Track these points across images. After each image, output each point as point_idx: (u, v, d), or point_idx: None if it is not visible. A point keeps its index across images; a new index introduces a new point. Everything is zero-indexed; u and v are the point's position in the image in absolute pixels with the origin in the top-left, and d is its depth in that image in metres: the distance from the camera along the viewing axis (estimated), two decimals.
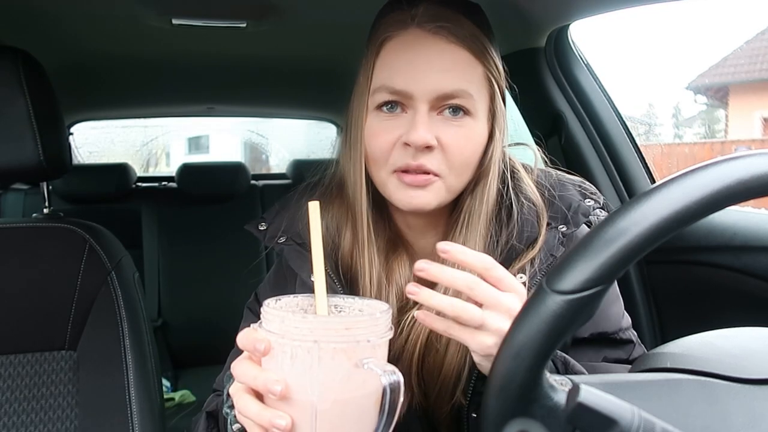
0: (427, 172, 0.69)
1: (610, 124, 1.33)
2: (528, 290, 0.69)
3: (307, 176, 0.83)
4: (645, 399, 0.45)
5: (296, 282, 0.77)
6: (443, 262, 0.73)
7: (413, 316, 0.72)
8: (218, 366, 0.79)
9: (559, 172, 0.80)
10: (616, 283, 0.65)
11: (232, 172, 2.56)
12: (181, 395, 2.18)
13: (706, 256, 1.17)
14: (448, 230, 0.76)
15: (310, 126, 3.30)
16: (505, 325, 0.56)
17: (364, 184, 0.73)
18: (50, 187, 1.20)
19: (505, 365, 0.40)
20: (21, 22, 1.32)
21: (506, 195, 0.75)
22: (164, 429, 1.07)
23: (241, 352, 0.54)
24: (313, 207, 0.55)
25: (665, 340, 0.66)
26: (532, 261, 0.71)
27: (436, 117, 0.69)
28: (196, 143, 7.12)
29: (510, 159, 0.79)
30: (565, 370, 0.64)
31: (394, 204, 0.73)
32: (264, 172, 3.88)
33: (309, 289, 0.71)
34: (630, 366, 0.73)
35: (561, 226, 0.73)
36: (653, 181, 1.36)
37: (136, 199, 2.52)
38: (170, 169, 4.48)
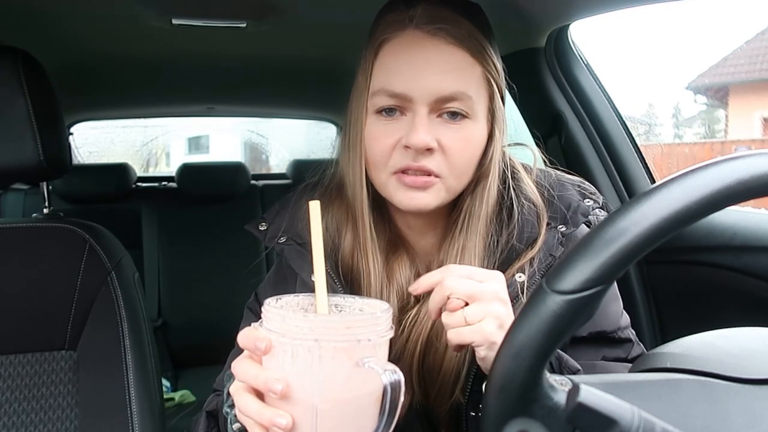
0: (427, 173, 0.69)
1: (610, 124, 1.33)
2: (527, 290, 0.70)
3: (307, 176, 0.83)
4: (645, 399, 0.45)
5: (296, 282, 0.77)
6: (443, 258, 0.75)
7: (413, 316, 0.72)
8: (218, 366, 0.79)
9: (558, 172, 0.80)
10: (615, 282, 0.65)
11: (232, 172, 2.57)
12: (181, 395, 2.18)
13: (706, 256, 1.17)
14: (447, 230, 0.76)
15: (310, 126, 3.30)
16: (494, 307, 0.59)
17: (364, 186, 0.73)
18: (50, 187, 1.20)
19: (505, 365, 0.40)
20: (21, 22, 1.32)
21: (507, 196, 0.75)
22: (164, 429, 1.07)
23: (241, 351, 0.54)
24: (314, 206, 0.55)
25: (665, 340, 0.66)
26: (531, 261, 0.71)
27: (436, 119, 0.69)
28: (196, 143, 7.12)
29: (510, 159, 0.79)
30: (559, 366, 0.65)
31: (394, 204, 0.73)
32: (264, 172, 3.88)
33: (309, 288, 0.71)
34: (629, 364, 0.73)
35: (560, 226, 0.73)
36: (653, 181, 1.36)
37: (136, 199, 2.52)
38: (170, 169, 4.48)
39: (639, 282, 1.31)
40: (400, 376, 0.48)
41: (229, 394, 0.64)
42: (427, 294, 0.64)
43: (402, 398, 0.48)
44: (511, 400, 0.40)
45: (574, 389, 0.40)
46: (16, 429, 0.97)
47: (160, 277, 2.43)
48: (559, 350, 0.66)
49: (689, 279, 1.22)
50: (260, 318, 0.52)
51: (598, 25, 1.25)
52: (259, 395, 0.51)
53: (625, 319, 0.79)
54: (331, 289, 0.67)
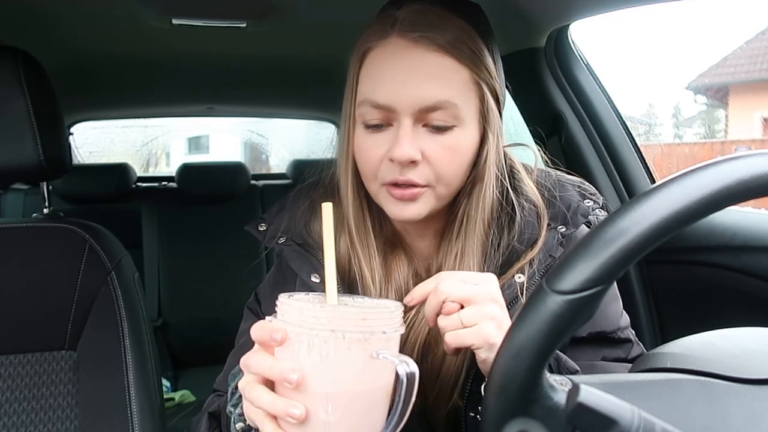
0: (415, 185, 0.68)
1: (610, 124, 1.33)
2: (526, 291, 0.70)
3: (307, 176, 0.83)
4: (645, 399, 0.45)
5: (296, 282, 0.77)
6: (441, 260, 0.75)
7: (412, 318, 0.72)
8: (218, 366, 0.79)
9: (558, 173, 0.80)
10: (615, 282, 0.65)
11: (232, 172, 2.57)
12: (181, 395, 2.18)
13: (706, 256, 1.17)
14: (445, 232, 0.76)
15: (310, 126, 3.30)
16: (490, 308, 0.59)
17: (356, 195, 0.75)
18: (50, 187, 1.20)
19: (505, 365, 0.40)
20: (21, 22, 1.32)
21: (506, 197, 0.74)
22: (164, 429, 1.07)
23: (242, 352, 0.54)
24: (326, 208, 0.56)
25: (665, 340, 0.66)
26: (531, 262, 0.71)
27: (421, 129, 0.68)
28: (196, 143, 7.12)
29: (510, 159, 0.79)
30: (558, 367, 0.65)
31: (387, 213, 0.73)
32: (264, 172, 3.88)
33: (308, 289, 0.72)
34: (629, 365, 0.73)
35: (560, 227, 0.73)
36: (653, 181, 1.36)
37: (136, 199, 2.52)
38: (170, 169, 4.49)
39: (639, 282, 1.31)
40: (415, 368, 0.49)
41: (232, 393, 0.64)
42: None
43: (416, 389, 0.49)
44: (511, 400, 0.40)
45: (574, 389, 0.40)
46: (16, 429, 0.97)
47: (160, 277, 2.43)
48: (557, 351, 0.66)
49: (689, 279, 1.22)
50: (260, 318, 0.52)
51: (598, 25, 1.26)
52: (270, 388, 0.51)
53: (625, 319, 0.79)
54: None
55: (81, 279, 1.04)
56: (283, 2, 1.24)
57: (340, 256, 0.75)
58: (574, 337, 0.74)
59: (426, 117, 0.67)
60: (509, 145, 0.80)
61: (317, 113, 2.72)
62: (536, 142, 0.85)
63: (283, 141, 4.29)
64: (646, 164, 1.35)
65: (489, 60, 0.71)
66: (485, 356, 0.59)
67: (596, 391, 0.40)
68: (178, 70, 1.87)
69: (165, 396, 2.12)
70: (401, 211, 0.70)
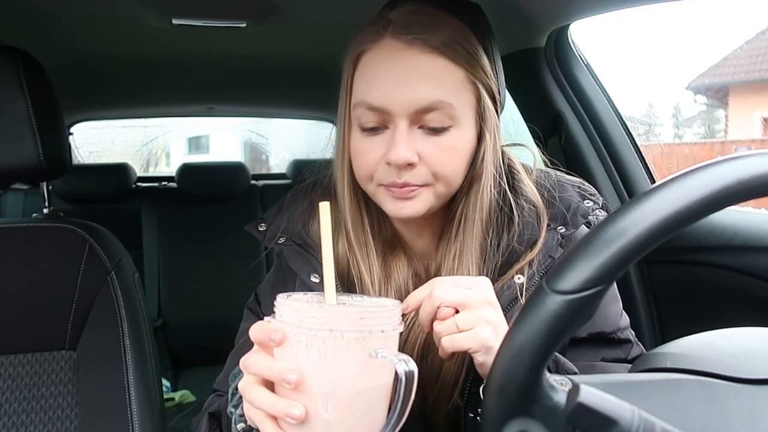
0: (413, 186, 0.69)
1: (610, 124, 1.33)
2: (526, 291, 0.69)
3: (306, 176, 0.83)
4: (645, 399, 0.45)
5: (296, 282, 0.77)
6: (440, 261, 0.75)
7: (411, 319, 0.72)
8: (218, 366, 0.79)
9: (558, 173, 0.80)
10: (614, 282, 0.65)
11: (232, 172, 2.57)
12: (181, 395, 2.18)
13: (706, 256, 1.17)
14: (443, 232, 0.76)
15: (310, 126, 3.30)
16: (485, 312, 0.59)
17: (353, 197, 0.75)
18: (50, 187, 1.20)
19: (505, 365, 0.40)
20: (21, 22, 1.32)
21: (504, 199, 0.74)
22: (164, 429, 1.07)
23: (242, 352, 0.54)
24: (324, 207, 0.56)
25: (665, 340, 0.66)
26: (530, 262, 0.71)
27: (417, 131, 0.68)
28: (196, 143, 7.12)
29: (509, 159, 0.79)
30: (556, 368, 0.64)
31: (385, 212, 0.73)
32: (264, 172, 3.88)
33: (308, 289, 0.72)
34: (628, 365, 0.73)
35: (560, 228, 0.72)
36: (653, 181, 1.36)
37: (136, 199, 2.52)
38: (170, 169, 4.49)
39: (639, 282, 1.31)
40: (414, 366, 0.49)
41: (233, 393, 0.64)
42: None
43: (415, 387, 0.49)
44: (511, 400, 0.40)
45: (574, 389, 0.40)
46: (16, 429, 0.97)
47: (160, 277, 2.43)
48: (556, 353, 0.66)
49: (689, 279, 1.22)
50: (260, 318, 0.52)
51: (598, 25, 1.26)
52: (270, 389, 0.51)
53: (625, 319, 0.78)
54: None
55: (81, 279, 1.04)
56: (283, 2, 1.24)
57: (339, 259, 0.75)
58: (574, 338, 0.74)
59: (421, 119, 0.67)
60: (507, 145, 0.80)
61: (317, 113, 2.72)
62: (536, 143, 0.85)
63: (283, 141, 4.29)
64: (646, 164, 1.35)
65: (485, 59, 0.70)
66: (483, 360, 0.59)
67: (596, 391, 0.40)
68: (178, 70, 1.87)
69: (165, 396, 2.12)
70: (400, 209, 0.70)
